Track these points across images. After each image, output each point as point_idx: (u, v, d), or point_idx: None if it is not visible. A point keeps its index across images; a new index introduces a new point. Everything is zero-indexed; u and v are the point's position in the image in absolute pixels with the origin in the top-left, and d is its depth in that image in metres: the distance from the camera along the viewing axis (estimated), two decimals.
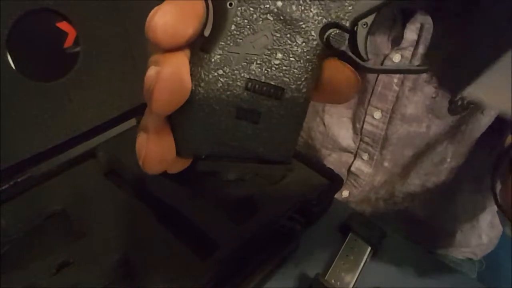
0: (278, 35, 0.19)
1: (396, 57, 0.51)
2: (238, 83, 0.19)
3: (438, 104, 0.52)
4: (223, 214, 0.42)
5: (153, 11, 0.17)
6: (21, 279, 0.36)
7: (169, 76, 0.17)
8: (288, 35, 0.19)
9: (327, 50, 0.19)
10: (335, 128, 0.62)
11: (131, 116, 0.54)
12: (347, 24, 0.19)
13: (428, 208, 0.62)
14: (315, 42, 0.19)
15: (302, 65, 0.19)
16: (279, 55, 0.19)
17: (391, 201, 0.62)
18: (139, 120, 0.55)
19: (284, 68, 0.19)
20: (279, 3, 0.18)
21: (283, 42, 0.19)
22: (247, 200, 0.46)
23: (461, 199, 0.61)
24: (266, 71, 0.19)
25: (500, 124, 0.53)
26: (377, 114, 0.56)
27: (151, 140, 0.19)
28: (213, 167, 0.20)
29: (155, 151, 0.19)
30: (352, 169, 0.62)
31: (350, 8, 0.19)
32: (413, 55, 0.51)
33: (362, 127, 0.58)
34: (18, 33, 0.40)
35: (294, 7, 0.18)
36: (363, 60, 0.20)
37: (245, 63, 0.19)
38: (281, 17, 0.18)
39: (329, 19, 0.19)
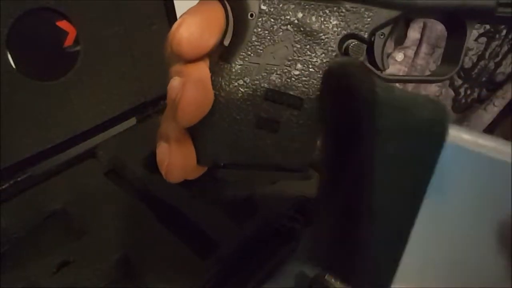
0: (298, 46, 0.19)
1: (399, 56, 0.52)
2: (258, 93, 0.19)
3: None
4: (223, 213, 0.42)
5: (177, 23, 0.17)
6: (21, 279, 0.36)
7: (195, 89, 0.17)
8: (308, 46, 0.19)
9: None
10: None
11: (132, 115, 0.54)
12: (366, 35, 0.19)
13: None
14: (334, 53, 0.19)
15: (321, 75, 0.19)
16: (299, 66, 0.19)
17: None
18: (139, 119, 0.55)
19: (303, 78, 0.19)
20: (300, 14, 0.18)
21: (303, 53, 0.19)
22: (247, 200, 0.46)
23: None
24: (286, 82, 0.19)
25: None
26: None
27: (173, 150, 0.19)
28: (232, 175, 0.21)
29: (178, 160, 0.20)
30: None
31: (368, 19, 0.19)
32: (415, 54, 0.51)
33: None
34: (18, 32, 0.40)
35: (314, 18, 0.18)
36: (380, 70, 0.21)
37: (265, 74, 0.19)
38: (301, 29, 0.18)
39: (348, 31, 0.19)
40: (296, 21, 0.18)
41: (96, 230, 0.40)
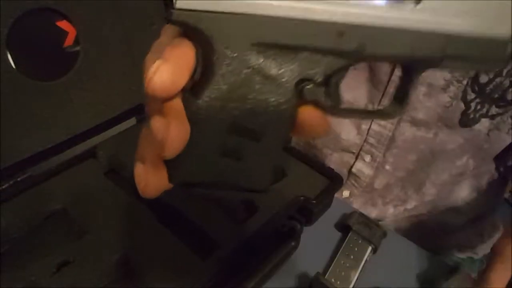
0: (258, 86, 0.21)
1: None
2: (223, 126, 0.21)
3: (450, 114, 0.51)
4: (223, 213, 0.42)
5: (151, 70, 0.19)
6: (21, 279, 0.36)
7: (178, 127, 0.20)
8: (267, 87, 0.21)
9: (302, 99, 0.21)
10: (337, 127, 0.62)
11: (131, 115, 0.54)
12: (320, 79, 0.21)
13: (434, 212, 0.62)
14: (290, 94, 0.21)
15: (280, 113, 0.21)
16: (259, 104, 0.21)
17: (402, 208, 0.62)
18: (139, 119, 0.55)
19: (263, 115, 0.21)
20: (260, 60, 0.20)
21: (263, 92, 0.21)
22: (247, 200, 0.46)
23: (463, 196, 0.61)
24: (247, 117, 0.21)
25: None
26: None
27: (149, 173, 0.22)
28: (199, 193, 0.25)
29: (153, 181, 0.22)
30: (353, 170, 0.61)
31: (323, 66, 0.21)
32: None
33: (370, 127, 0.58)
34: (18, 32, 0.40)
35: (273, 65, 0.20)
36: (335, 106, 0.22)
37: (229, 110, 0.21)
38: (261, 72, 0.21)
39: (304, 75, 0.21)
40: (256, 66, 0.20)
41: (96, 230, 0.40)
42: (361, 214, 0.49)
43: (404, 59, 0.22)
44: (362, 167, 0.61)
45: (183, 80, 0.19)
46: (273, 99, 0.21)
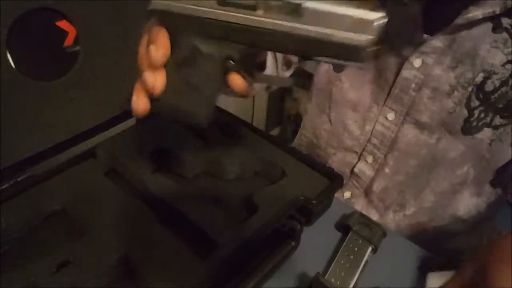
0: (200, 59, 0.32)
1: (417, 62, 0.50)
2: (181, 82, 0.33)
3: (453, 120, 0.51)
4: (223, 213, 0.42)
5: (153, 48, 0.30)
6: (21, 278, 0.36)
7: (162, 79, 0.31)
8: (205, 60, 0.32)
9: (228, 69, 0.32)
10: (340, 126, 0.62)
11: (131, 115, 0.54)
12: (237, 57, 0.32)
13: (434, 219, 0.62)
14: (219, 65, 0.32)
15: (213, 75, 0.33)
16: (201, 68, 0.32)
17: (402, 213, 0.62)
18: (139, 119, 0.55)
19: (205, 75, 0.32)
20: (202, 44, 0.31)
21: (202, 63, 0.32)
22: (247, 199, 0.46)
23: (464, 203, 0.61)
24: (195, 77, 0.33)
25: None
26: (391, 115, 0.55)
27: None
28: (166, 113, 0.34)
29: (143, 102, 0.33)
30: (355, 170, 0.61)
31: (237, 51, 0.31)
32: (436, 63, 0.49)
33: (374, 128, 0.58)
34: (18, 32, 0.40)
35: (208, 47, 0.31)
36: (251, 75, 0.33)
37: (182, 72, 0.33)
38: (201, 51, 0.31)
39: (227, 55, 0.31)
40: (198, 46, 0.32)
41: (96, 230, 0.40)
42: (361, 214, 0.49)
43: (288, 53, 0.36)
44: (364, 168, 0.61)
45: (167, 53, 0.31)
46: (209, 67, 0.32)
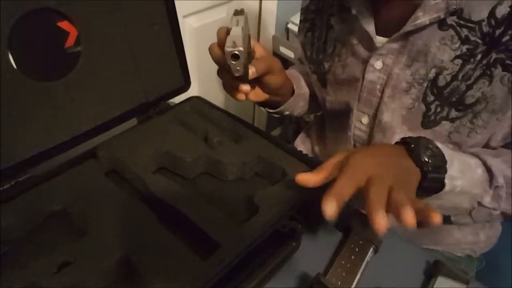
0: None
1: (378, 64, 0.53)
2: None
3: (412, 115, 0.53)
4: (223, 213, 0.42)
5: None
6: (21, 279, 0.36)
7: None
8: None
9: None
10: (332, 134, 0.66)
11: (132, 115, 0.54)
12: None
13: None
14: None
15: None
16: None
17: None
18: (140, 120, 0.55)
19: None
20: None
21: None
22: (247, 200, 0.46)
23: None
24: None
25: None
26: (365, 119, 0.59)
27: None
28: None
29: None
30: None
31: None
32: (394, 63, 0.52)
33: (353, 133, 0.61)
34: (20, 32, 0.40)
35: None
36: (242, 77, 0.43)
37: None
38: None
39: None
40: None
41: (96, 230, 0.40)
42: (362, 214, 0.49)
43: None
44: None
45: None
46: None
